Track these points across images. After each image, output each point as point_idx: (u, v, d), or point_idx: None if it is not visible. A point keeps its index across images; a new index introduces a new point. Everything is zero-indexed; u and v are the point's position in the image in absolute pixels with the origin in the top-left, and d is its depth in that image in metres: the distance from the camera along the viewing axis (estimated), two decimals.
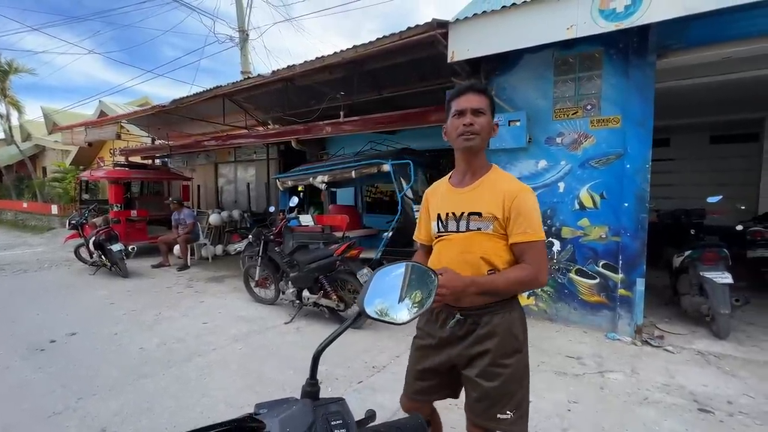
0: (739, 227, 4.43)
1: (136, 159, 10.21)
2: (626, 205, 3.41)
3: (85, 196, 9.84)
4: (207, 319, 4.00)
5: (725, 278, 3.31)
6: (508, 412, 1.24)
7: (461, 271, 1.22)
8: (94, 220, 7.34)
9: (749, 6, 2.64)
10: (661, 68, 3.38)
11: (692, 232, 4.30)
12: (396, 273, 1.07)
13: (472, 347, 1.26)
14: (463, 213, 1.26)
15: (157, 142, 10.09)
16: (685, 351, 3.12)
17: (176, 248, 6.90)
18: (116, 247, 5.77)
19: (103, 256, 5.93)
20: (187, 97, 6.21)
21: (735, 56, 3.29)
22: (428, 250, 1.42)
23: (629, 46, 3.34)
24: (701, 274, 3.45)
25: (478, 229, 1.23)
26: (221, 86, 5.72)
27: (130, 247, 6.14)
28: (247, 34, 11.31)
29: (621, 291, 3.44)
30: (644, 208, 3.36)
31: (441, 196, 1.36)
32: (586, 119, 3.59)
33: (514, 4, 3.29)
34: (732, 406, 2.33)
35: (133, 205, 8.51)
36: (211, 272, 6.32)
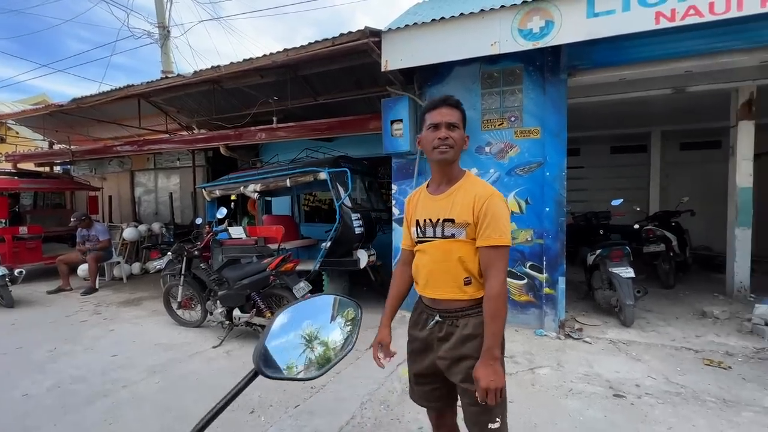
0: (636, 226, 5.09)
1: (29, 166, 8.73)
2: (548, 209, 3.69)
3: None
4: (117, 350, 3.48)
5: (629, 273, 3.75)
6: (497, 419, 1.26)
7: (440, 278, 1.29)
8: None
9: (637, 35, 3.06)
10: (571, 86, 3.76)
11: (601, 232, 4.83)
12: (321, 302, 1.00)
13: (451, 350, 1.28)
14: (438, 219, 1.30)
15: (57, 146, 8.75)
16: (600, 341, 3.45)
17: (81, 269, 5.98)
18: None
19: None
20: (92, 95, 5.45)
21: (628, 78, 3.79)
22: (410, 254, 1.46)
23: (545, 65, 3.65)
24: (610, 270, 3.86)
25: (452, 235, 1.27)
26: (133, 85, 5.11)
27: (17, 271, 5.14)
28: (168, 31, 10.38)
29: (546, 290, 3.71)
30: (562, 212, 3.68)
31: (419, 204, 1.40)
32: (511, 130, 3.84)
33: (442, 18, 3.41)
34: (640, 389, 2.61)
35: (23, 220, 7.22)
36: (125, 294, 5.57)
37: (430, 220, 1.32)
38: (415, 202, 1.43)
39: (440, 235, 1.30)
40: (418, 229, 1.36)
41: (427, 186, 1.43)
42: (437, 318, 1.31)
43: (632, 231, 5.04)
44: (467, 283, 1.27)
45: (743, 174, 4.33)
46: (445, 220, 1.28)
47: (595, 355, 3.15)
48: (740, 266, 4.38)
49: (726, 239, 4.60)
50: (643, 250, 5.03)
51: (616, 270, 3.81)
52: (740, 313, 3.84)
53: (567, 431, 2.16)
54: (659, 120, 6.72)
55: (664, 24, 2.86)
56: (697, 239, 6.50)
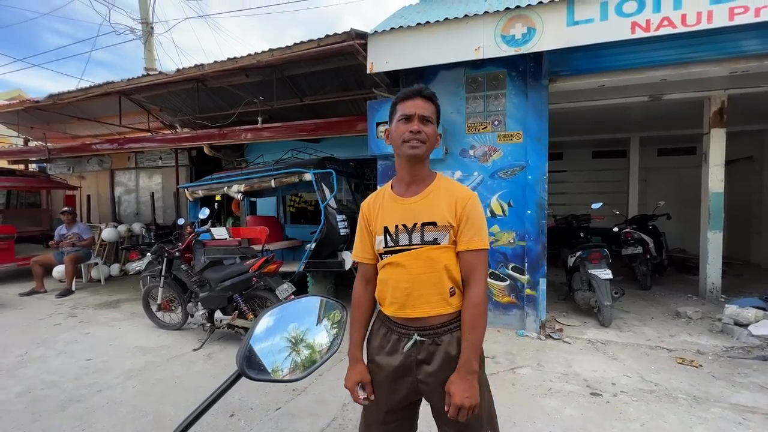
0: (615, 229, 5.23)
1: (2, 163, 8.41)
2: (529, 212, 3.77)
3: None
4: (92, 354, 3.38)
5: (607, 274, 3.85)
6: None
7: (423, 293, 1.14)
8: None
9: (614, 44, 3.16)
10: (553, 91, 3.85)
11: (582, 234, 4.95)
12: (307, 304, 0.99)
13: (436, 374, 1.13)
14: (415, 224, 1.15)
15: (32, 143, 8.46)
16: (579, 341, 3.52)
17: (57, 270, 5.78)
18: None
19: None
20: (69, 92, 5.30)
21: (607, 85, 3.91)
22: (372, 269, 1.27)
23: (527, 70, 3.73)
24: (589, 271, 3.96)
25: (434, 240, 1.14)
26: (113, 82, 5.00)
27: None
28: (152, 27, 10.18)
29: (528, 291, 3.78)
30: (544, 214, 3.75)
31: (385, 208, 1.22)
32: (494, 134, 3.91)
33: (427, 22, 3.45)
34: (615, 387, 2.68)
35: None
36: (103, 297, 5.41)
37: (404, 225, 1.16)
38: (377, 207, 1.24)
39: (419, 241, 1.14)
40: (389, 238, 1.18)
41: (392, 188, 1.25)
42: (416, 338, 1.14)
43: (611, 234, 5.18)
44: (452, 294, 1.15)
45: (715, 179, 4.50)
46: (425, 224, 1.14)
47: (574, 355, 3.22)
48: (712, 268, 4.54)
49: (699, 242, 4.77)
50: (622, 252, 5.18)
51: (595, 272, 3.91)
52: (712, 314, 3.99)
53: (545, 430, 2.20)
54: (638, 126, 6.94)
55: (640, 34, 2.96)
56: (673, 242, 6.74)
